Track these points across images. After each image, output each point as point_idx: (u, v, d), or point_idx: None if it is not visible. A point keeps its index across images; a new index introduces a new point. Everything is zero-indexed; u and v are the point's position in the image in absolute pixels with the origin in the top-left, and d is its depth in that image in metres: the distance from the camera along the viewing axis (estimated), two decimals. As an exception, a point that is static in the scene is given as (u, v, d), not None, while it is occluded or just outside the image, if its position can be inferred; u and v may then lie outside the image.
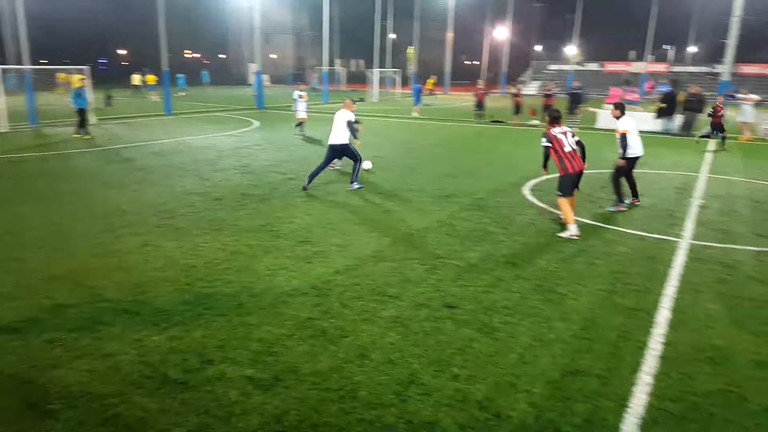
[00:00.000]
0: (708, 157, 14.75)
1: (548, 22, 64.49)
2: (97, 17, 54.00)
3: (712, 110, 16.74)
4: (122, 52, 66.02)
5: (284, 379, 3.87)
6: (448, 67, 48.96)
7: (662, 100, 20.02)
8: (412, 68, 45.60)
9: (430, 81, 40.75)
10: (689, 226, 7.94)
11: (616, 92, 22.99)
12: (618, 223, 8.01)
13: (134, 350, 4.23)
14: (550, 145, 7.29)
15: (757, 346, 4.47)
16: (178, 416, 3.45)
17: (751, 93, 19.31)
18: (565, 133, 7.33)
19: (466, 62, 66.72)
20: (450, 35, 47.75)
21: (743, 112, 18.79)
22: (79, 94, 16.38)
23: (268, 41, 62.16)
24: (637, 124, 8.82)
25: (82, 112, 16.25)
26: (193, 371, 3.95)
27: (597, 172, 11.88)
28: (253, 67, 39.97)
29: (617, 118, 8.66)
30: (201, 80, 46.07)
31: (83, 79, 18.22)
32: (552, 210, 8.53)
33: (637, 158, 8.76)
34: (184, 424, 3.37)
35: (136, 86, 36.11)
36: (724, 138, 16.33)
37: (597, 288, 5.59)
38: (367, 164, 11.17)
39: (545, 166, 7.60)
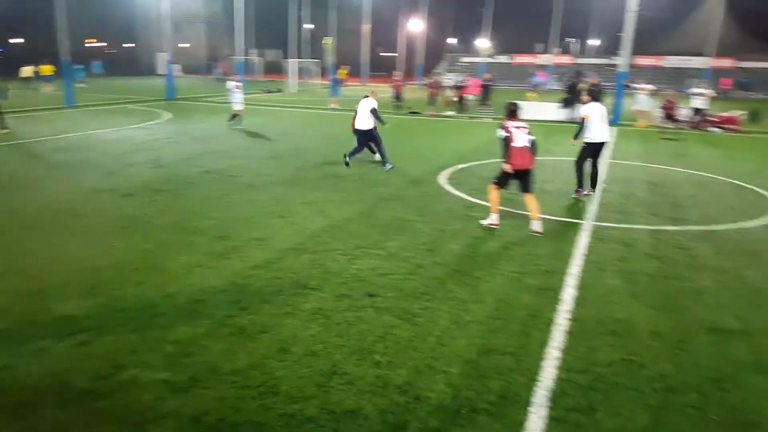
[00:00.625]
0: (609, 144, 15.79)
1: (461, 15, 66.25)
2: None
3: (663, 104, 17.93)
4: (18, 40, 60.49)
5: (202, 380, 3.77)
6: (365, 58, 49.08)
7: (567, 91, 21.24)
8: (330, 59, 45.27)
9: (342, 71, 40.53)
10: (592, 209, 8.52)
11: (476, 83, 24.43)
12: (527, 207, 8.40)
13: (37, 360, 3.94)
14: (508, 135, 7.16)
15: (655, 318, 4.87)
16: (87, 427, 3.27)
17: (647, 83, 20.94)
18: (519, 128, 7.22)
19: (382, 54, 67.10)
20: (366, 27, 47.85)
21: (638, 101, 20.34)
22: None
23: (178, 30, 59.20)
24: (603, 112, 9.13)
25: None
26: (103, 378, 3.75)
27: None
28: (163, 57, 38.02)
29: (584, 103, 9.28)
30: (92, 71, 42.70)
31: None
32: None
33: (598, 144, 9.07)
34: (95, 434, 3.20)
35: (26, 78, 33.10)
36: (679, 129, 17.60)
37: (509, 270, 5.87)
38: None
39: (505, 159, 7.18)
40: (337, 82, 28.37)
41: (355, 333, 4.45)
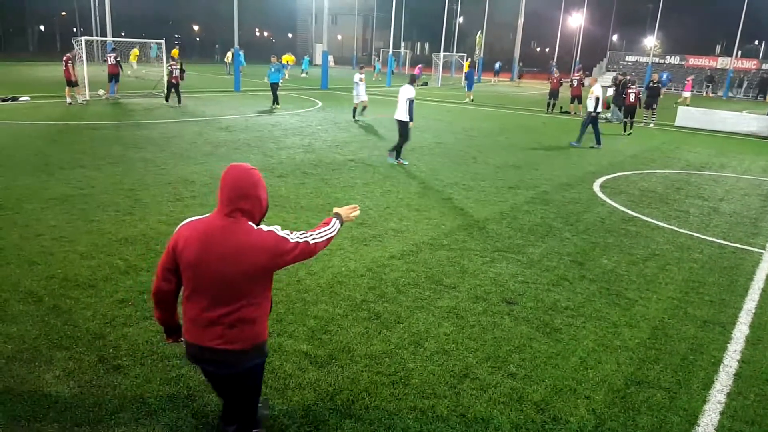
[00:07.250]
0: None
1: (626, 10, 61.18)
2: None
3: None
4: (196, 27, 68.40)
5: (338, 358, 3.89)
6: (517, 53, 47.63)
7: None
8: (478, 54, 44.60)
9: (466, 63, 38.97)
10: (774, 237, 7.35)
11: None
12: (695, 228, 7.54)
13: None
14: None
15: None
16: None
17: None
18: None
19: (536, 49, 64.54)
20: (521, 20, 46.34)
21: None
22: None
23: (334, 22, 62.26)
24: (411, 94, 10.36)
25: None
26: (250, 343, 4.02)
27: (672, 172, 11.26)
28: (320, 48, 40.24)
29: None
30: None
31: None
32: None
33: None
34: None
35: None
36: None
37: (668, 296, 5.28)
38: None
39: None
40: (473, 77, 27.82)
41: (489, 339, 4.29)
